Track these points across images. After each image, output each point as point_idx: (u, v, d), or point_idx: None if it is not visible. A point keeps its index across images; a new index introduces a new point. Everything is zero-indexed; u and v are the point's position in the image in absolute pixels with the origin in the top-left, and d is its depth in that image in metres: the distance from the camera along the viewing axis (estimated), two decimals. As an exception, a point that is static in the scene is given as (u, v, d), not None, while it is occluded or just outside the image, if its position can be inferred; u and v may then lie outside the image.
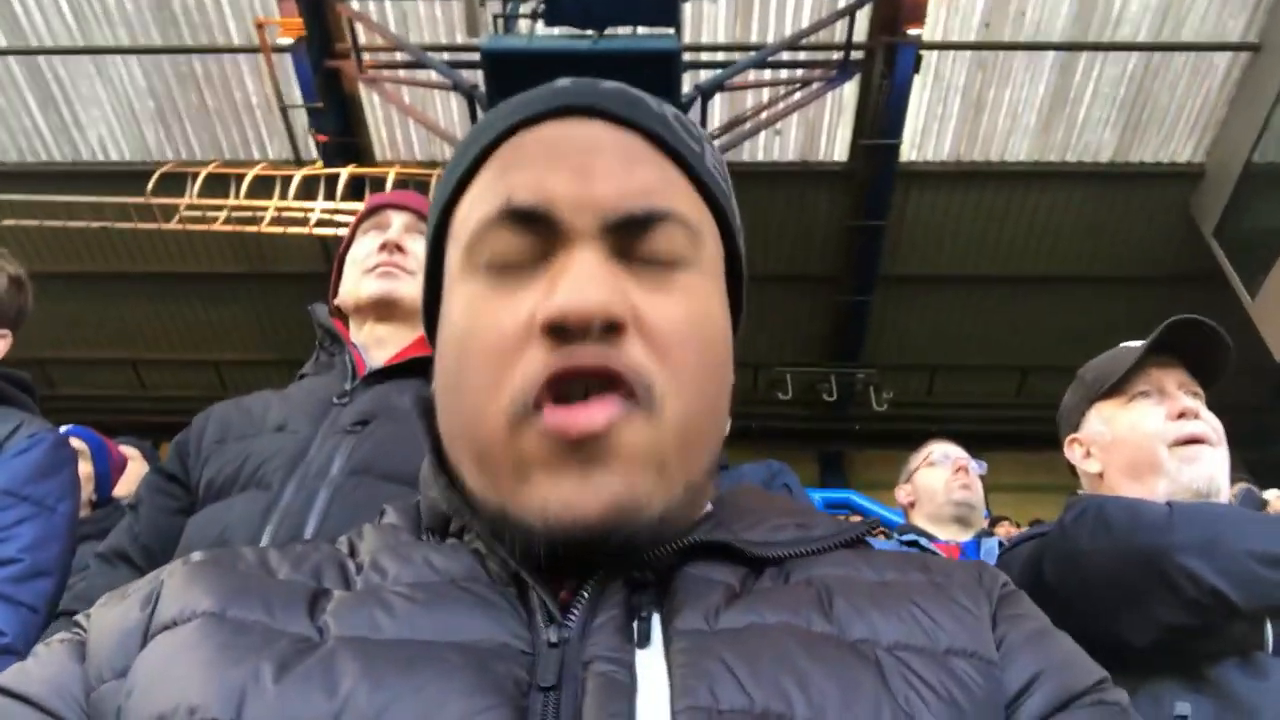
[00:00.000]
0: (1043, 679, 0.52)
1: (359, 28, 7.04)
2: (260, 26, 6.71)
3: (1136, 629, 1.19)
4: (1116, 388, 1.49)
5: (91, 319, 9.04)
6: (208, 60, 7.65)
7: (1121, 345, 1.56)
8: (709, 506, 0.62)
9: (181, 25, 7.46)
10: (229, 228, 6.89)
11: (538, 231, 0.54)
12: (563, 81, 0.61)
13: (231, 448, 1.30)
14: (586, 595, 0.51)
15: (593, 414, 0.50)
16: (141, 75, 7.75)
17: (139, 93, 7.86)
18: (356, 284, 1.46)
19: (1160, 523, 1.21)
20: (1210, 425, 1.40)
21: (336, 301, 1.53)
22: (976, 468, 2.93)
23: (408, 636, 0.49)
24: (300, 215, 6.77)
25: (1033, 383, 9.13)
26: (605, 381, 0.51)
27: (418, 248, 1.47)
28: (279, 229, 6.78)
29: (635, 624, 0.51)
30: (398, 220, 1.51)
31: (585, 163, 0.55)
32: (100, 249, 8.26)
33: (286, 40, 6.78)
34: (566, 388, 0.51)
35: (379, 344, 1.44)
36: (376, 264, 1.45)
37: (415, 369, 1.37)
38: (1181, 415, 1.40)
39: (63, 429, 2.80)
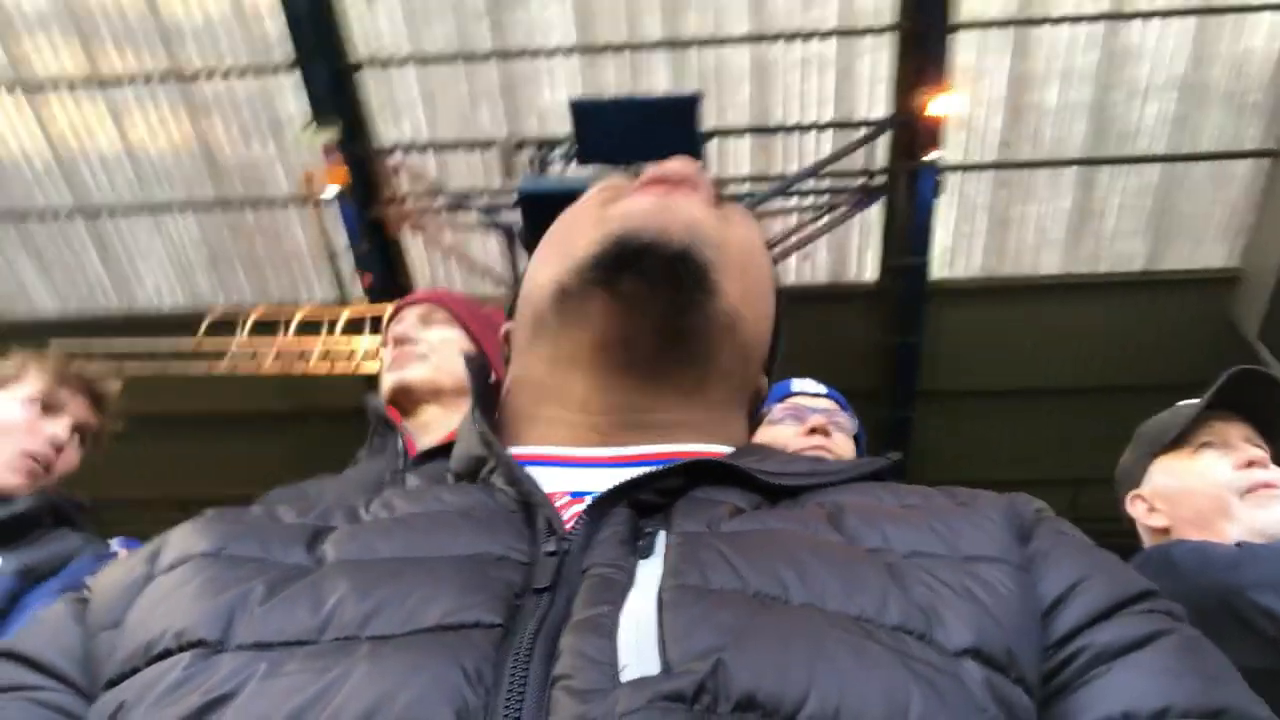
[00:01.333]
0: (1085, 584, 0.47)
1: (402, 176, 7.40)
2: (308, 179, 7.08)
3: None
4: (1180, 441, 1.47)
5: (141, 460, 9.19)
6: (258, 211, 8.04)
7: (1179, 404, 1.55)
8: (730, 448, 0.63)
9: (234, 179, 7.89)
10: (277, 366, 7.08)
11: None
12: None
13: None
14: (590, 509, 0.51)
15: (683, 189, 0.62)
16: (196, 227, 8.15)
17: (193, 243, 8.25)
18: (382, 383, 1.55)
19: (1230, 561, 1.16)
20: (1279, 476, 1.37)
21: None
22: None
23: (402, 555, 0.49)
24: (346, 352, 6.96)
25: (1087, 496, 8.84)
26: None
27: (429, 334, 1.56)
28: (326, 366, 6.96)
29: (640, 541, 0.49)
30: (410, 315, 1.60)
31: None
32: (152, 392, 8.49)
33: (333, 190, 7.12)
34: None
35: (424, 429, 1.51)
36: (389, 360, 1.55)
37: None
38: (1251, 464, 1.38)
39: (115, 541, 2.85)
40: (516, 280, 0.71)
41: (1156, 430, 1.54)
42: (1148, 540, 1.50)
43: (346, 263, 7.75)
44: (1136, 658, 0.44)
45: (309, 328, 7.03)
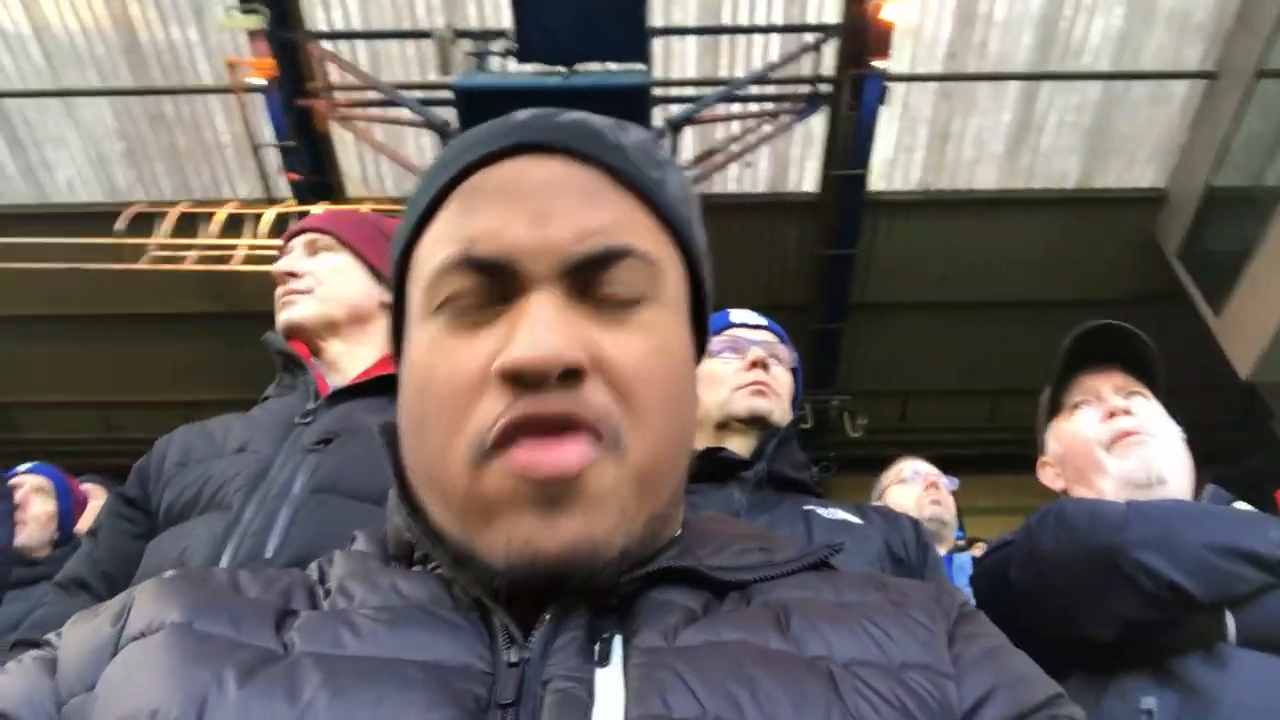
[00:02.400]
0: (997, 693, 0.52)
1: (331, 67, 7.07)
2: (232, 67, 6.72)
3: (1101, 625, 1.21)
4: (1061, 404, 1.54)
5: (58, 362, 8.89)
6: (179, 101, 7.63)
7: None
8: (679, 530, 0.63)
9: (153, 66, 7.45)
10: (199, 267, 6.84)
11: (497, 277, 0.54)
12: (520, 114, 0.61)
13: (192, 470, 1.29)
14: (549, 618, 0.52)
15: (565, 455, 0.50)
16: (112, 116, 7.71)
17: (109, 134, 7.81)
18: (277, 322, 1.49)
19: (1117, 520, 1.23)
20: (1143, 418, 1.43)
21: None
22: (948, 484, 2.94)
23: (371, 653, 0.50)
24: (272, 253, 6.74)
25: (1005, 406, 9.19)
26: (571, 425, 0.51)
27: (316, 263, 1.49)
28: (250, 267, 6.74)
29: (596, 646, 0.51)
30: (296, 246, 1.53)
31: (541, 207, 0.55)
32: (67, 291, 8.15)
33: (258, 80, 6.77)
34: (531, 429, 0.51)
35: (332, 367, 1.47)
36: (279, 297, 1.48)
37: (380, 387, 1.38)
38: (1112, 415, 1.44)
39: (25, 466, 2.77)
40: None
41: (1046, 396, 1.60)
42: None
43: (272, 158, 7.43)
44: None
45: (234, 226, 6.77)
